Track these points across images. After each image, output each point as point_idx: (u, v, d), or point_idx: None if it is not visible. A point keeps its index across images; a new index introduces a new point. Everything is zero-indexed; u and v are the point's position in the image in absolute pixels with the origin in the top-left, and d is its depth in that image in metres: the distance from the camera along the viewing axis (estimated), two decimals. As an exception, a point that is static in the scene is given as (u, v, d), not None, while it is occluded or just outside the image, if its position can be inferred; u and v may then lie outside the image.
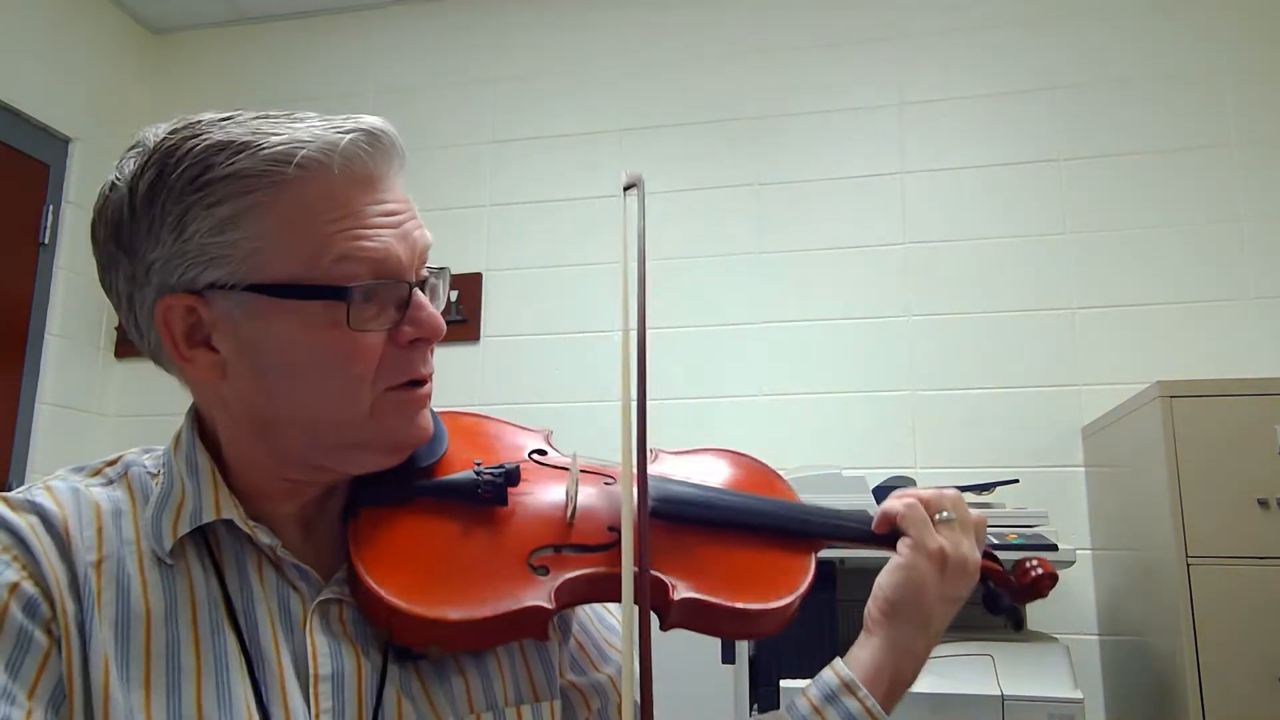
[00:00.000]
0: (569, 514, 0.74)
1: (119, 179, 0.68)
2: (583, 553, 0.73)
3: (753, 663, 1.81)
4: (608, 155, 2.76)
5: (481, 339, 2.72)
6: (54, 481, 0.69)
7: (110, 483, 0.71)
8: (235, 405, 0.69)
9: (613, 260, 2.68)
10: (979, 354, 2.43)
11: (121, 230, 0.68)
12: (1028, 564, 0.83)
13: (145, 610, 0.64)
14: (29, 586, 0.62)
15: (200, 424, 0.73)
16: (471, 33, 2.94)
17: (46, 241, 2.74)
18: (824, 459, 2.27)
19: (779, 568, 0.77)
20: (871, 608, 0.78)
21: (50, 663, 0.61)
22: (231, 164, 0.64)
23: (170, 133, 0.67)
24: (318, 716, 0.65)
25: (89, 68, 2.91)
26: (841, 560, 1.83)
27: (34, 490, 0.68)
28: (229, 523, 0.69)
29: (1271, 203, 2.35)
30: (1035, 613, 2.11)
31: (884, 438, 2.43)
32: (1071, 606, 2.25)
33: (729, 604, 0.72)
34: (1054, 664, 1.74)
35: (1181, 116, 2.43)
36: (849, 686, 0.75)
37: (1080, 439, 2.33)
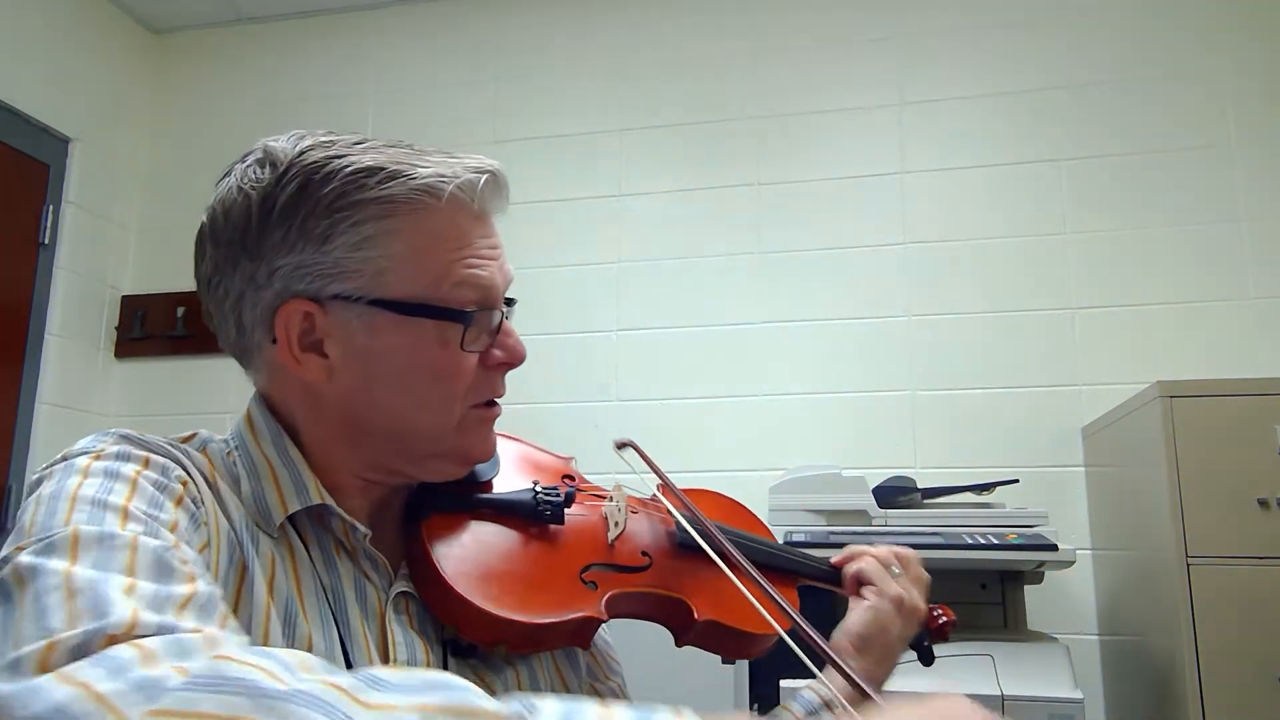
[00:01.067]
0: (612, 537, 0.84)
1: (245, 185, 0.72)
2: (623, 572, 0.82)
3: (752, 663, 1.81)
4: (608, 155, 2.76)
5: (481, 339, 2.72)
6: (151, 437, 0.70)
7: (193, 451, 0.73)
8: (332, 407, 0.74)
9: (610, 260, 2.69)
10: (979, 354, 2.43)
11: (249, 233, 0.71)
12: (934, 613, 0.96)
13: (271, 563, 0.68)
14: (193, 488, 0.66)
15: (274, 415, 0.76)
16: (471, 33, 2.94)
17: (46, 241, 2.74)
18: (824, 459, 2.27)
19: (774, 600, 0.87)
20: (845, 642, 0.88)
21: (207, 549, 0.64)
22: (384, 188, 0.70)
23: (308, 149, 0.72)
24: None
25: (89, 68, 2.92)
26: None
27: (153, 436, 0.70)
28: (319, 510, 0.72)
29: (1271, 203, 2.35)
30: (1035, 613, 2.11)
31: (884, 438, 2.43)
32: (1071, 606, 2.25)
33: (738, 629, 0.84)
34: (1054, 664, 1.74)
35: (1181, 116, 2.43)
36: (828, 705, 0.86)
37: (1080, 439, 2.33)
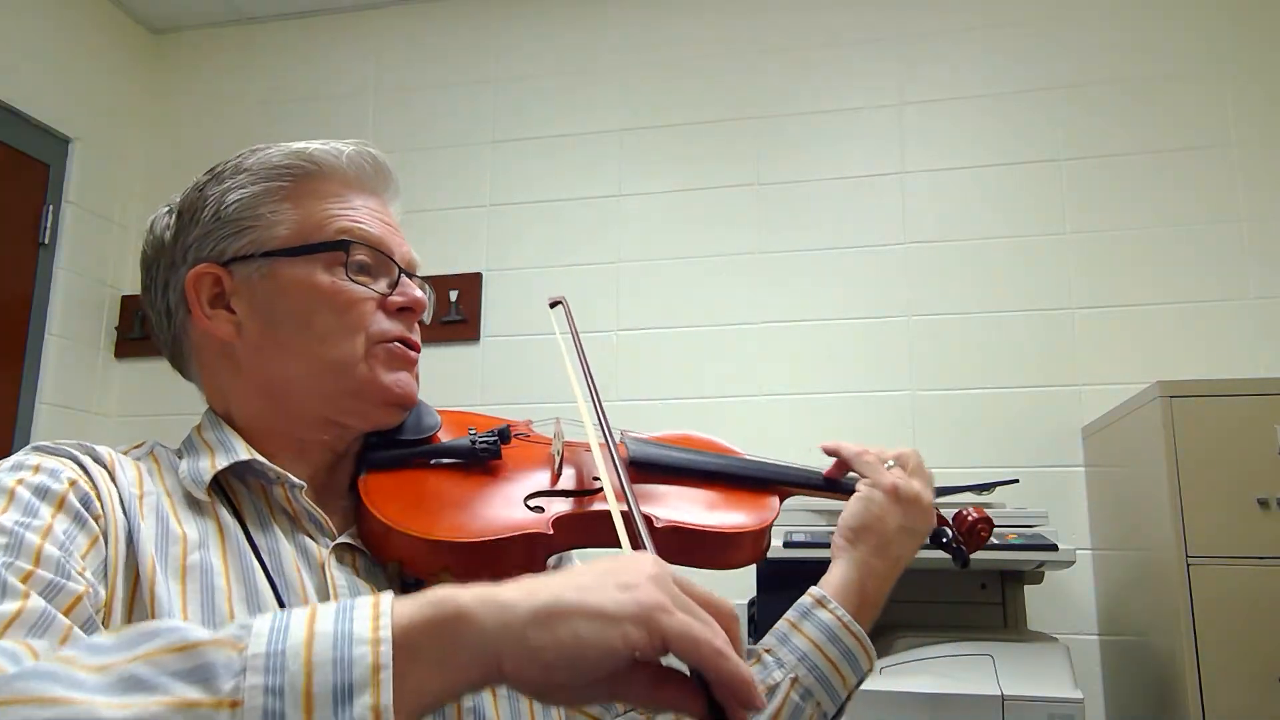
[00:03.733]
0: (556, 467, 0.84)
1: (168, 203, 0.85)
2: (571, 496, 0.81)
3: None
4: (608, 155, 2.76)
5: (481, 339, 2.72)
6: (91, 445, 0.75)
7: (140, 457, 0.78)
8: (248, 367, 0.80)
9: (610, 261, 2.69)
10: (979, 354, 2.43)
11: (166, 231, 0.83)
12: (964, 512, 0.95)
13: (182, 535, 0.70)
14: (84, 485, 0.68)
15: (215, 414, 0.82)
16: (471, 33, 2.94)
17: (46, 241, 2.74)
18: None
19: (749, 503, 0.88)
20: (836, 536, 0.89)
21: (97, 546, 0.65)
22: (265, 155, 0.82)
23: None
24: None
25: (89, 68, 2.91)
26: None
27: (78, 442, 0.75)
28: (248, 476, 0.76)
29: (1271, 203, 2.35)
30: (1035, 613, 2.11)
31: (884, 438, 2.39)
32: (1071, 606, 2.25)
33: (706, 529, 0.81)
34: (1054, 664, 1.74)
35: (1181, 116, 2.43)
36: (820, 602, 0.85)
37: (1080, 439, 2.33)
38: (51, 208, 2.76)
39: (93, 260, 2.88)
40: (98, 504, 0.67)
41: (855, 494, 0.90)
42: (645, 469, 0.87)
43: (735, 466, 0.92)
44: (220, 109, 3.06)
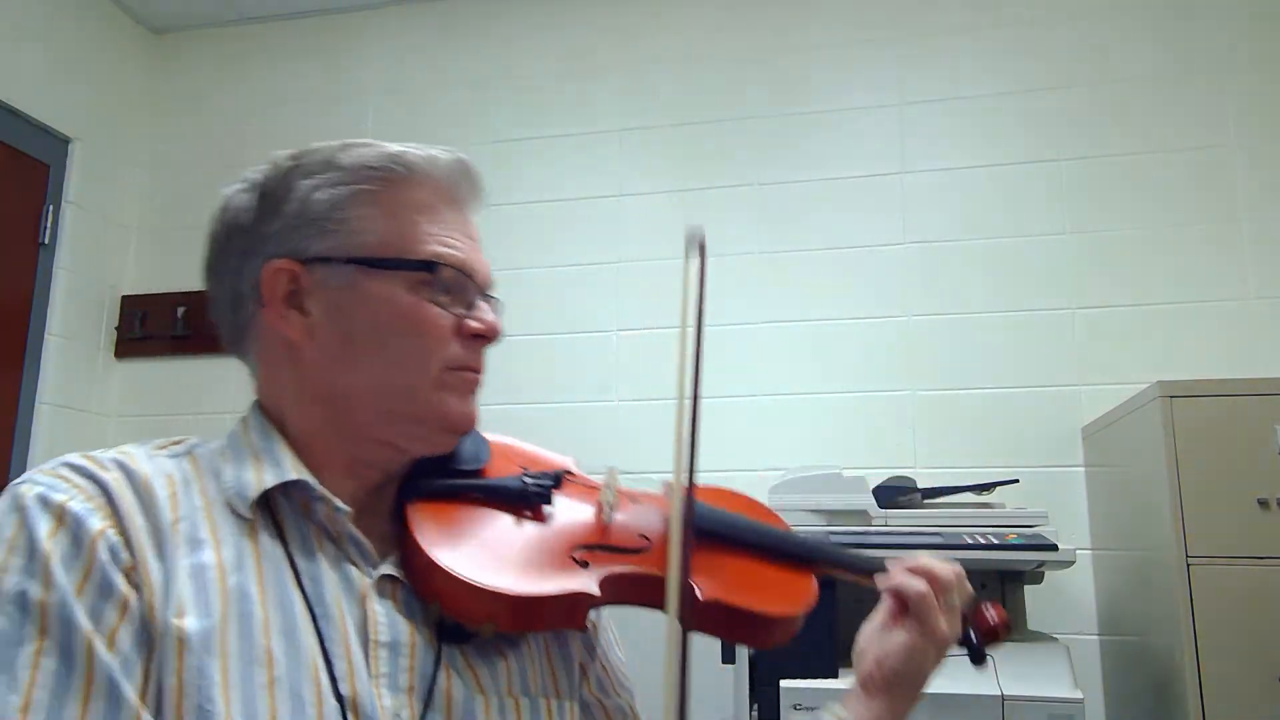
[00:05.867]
0: (605, 518, 0.82)
1: (248, 178, 0.80)
2: (619, 553, 0.79)
3: (753, 663, 1.81)
4: (608, 155, 2.76)
5: (481, 339, 2.72)
6: (128, 448, 0.72)
7: (176, 457, 0.74)
8: (312, 373, 0.77)
9: (610, 260, 2.69)
10: (979, 354, 2.43)
11: (245, 213, 0.79)
12: (984, 610, 0.87)
13: (218, 562, 0.68)
14: (113, 534, 0.65)
15: (265, 414, 0.79)
16: (471, 33, 2.94)
17: (46, 241, 2.74)
18: (824, 459, 2.27)
19: (790, 584, 0.85)
20: (875, 672, 0.82)
21: (131, 610, 0.64)
22: (359, 155, 0.78)
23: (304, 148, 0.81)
24: (376, 676, 0.69)
25: (89, 68, 2.91)
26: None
27: (113, 452, 0.71)
28: (295, 495, 0.73)
29: (1271, 203, 2.35)
30: (1035, 613, 2.11)
31: (884, 438, 2.43)
32: (1071, 606, 2.25)
33: (748, 609, 0.79)
34: (1054, 664, 1.74)
35: (1181, 116, 2.43)
36: None
37: (1080, 439, 2.33)
38: (51, 208, 2.76)
39: (93, 260, 2.88)
40: (127, 554, 0.65)
41: (905, 637, 0.81)
42: (699, 533, 0.83)
43: (784, 542, 0.89)
44: (220, 109, 3.06)
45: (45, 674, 0.59)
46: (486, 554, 0.74)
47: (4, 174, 2.64)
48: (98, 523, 0.65)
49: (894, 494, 2.03)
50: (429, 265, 0.77)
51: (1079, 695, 1.65)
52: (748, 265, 2.60)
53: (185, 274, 2.94)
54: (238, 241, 0.79)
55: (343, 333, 0.76)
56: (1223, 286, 2.33)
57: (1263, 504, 1.73)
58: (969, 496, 2.13)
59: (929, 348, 2.46)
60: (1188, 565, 1.73)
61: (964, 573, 0.85)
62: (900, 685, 0.81)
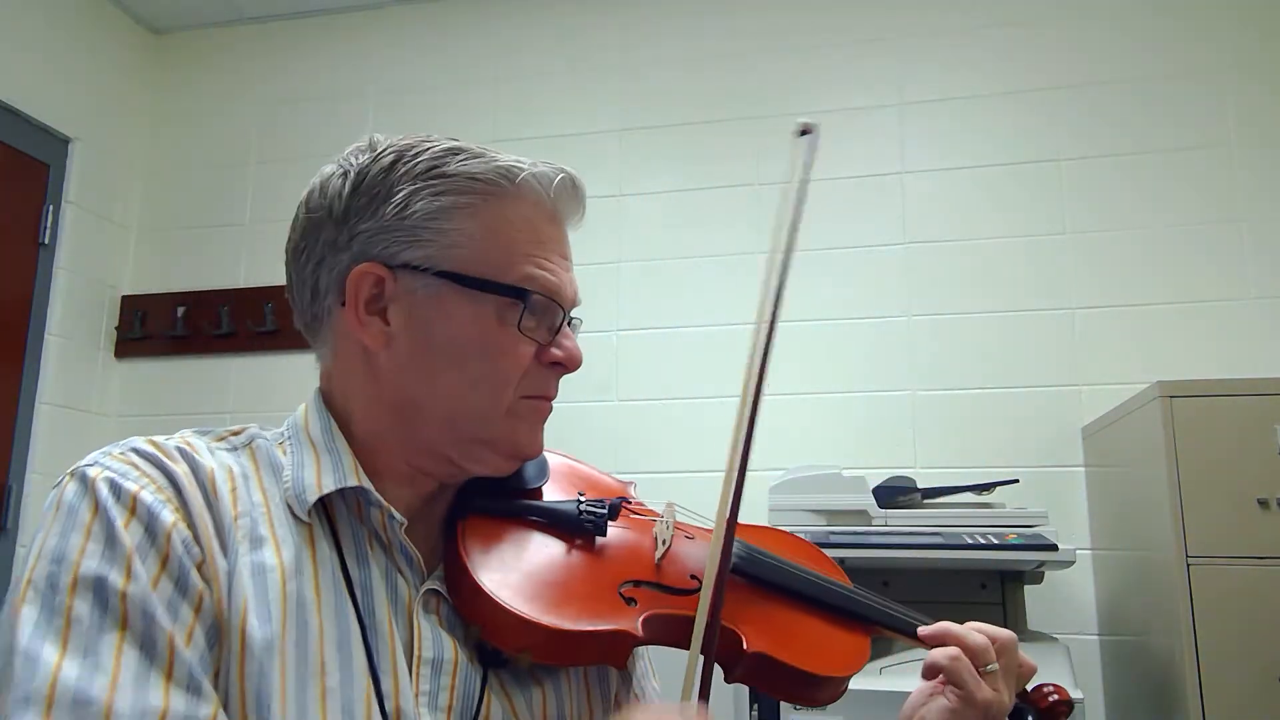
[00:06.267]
0: (658, 556, 0.80)
1: (344, 163, 0.77)
2: (666, 593, 0.77)
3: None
4: (608, 155, 2.76)
5: (481, 339, 2.71)
6: (190, 438, 0.72)
7: (235, 449, 0.74)
8: (386, 380, 0.75)
9: (610, 260, 2.69)
10: (979, 354, 2.43)
11: (338, 201, 0.76)
12: (1045, 690, 0.83)
13: (279, 563, 0.68)
14: (184, 529, 0.65)
15: (329, 406, 0.78)
16: (471, 33, 2.94)
17: (46, 241, 2.74)
18: (824, 459, 2.26)
19: (843, 643, 0.82)
20: None
21: (205, 606, 0.64)
22: (464, 164, 0.75)
23: (405, 136, 0.78)
24: (418, 695, 0.69)
25: (89, 68, 2.91)
26: (842, 560, 1.83)
27: (177, 440, 0.71)
28: (351, 497, 0.73)
29: (1271, 203, 2.35)
30: (1035, 613, 2.11)
31: (884, 438, 2.43)
32: (1071, 606, 2.25)
33: (794, 665, 0.76)
34: (1054, 664, 1.74)
35: (1181, 116, 2.43)
36: None
37: (1080, 439, 2.33)
38: (51, 208, 2.76)
39: (93, 260, 2.88)
40: (197, 549, 0.65)
41: (943, 704, 0.77)
42: (748, 578, 0.82)
43: (844, 599, 0.85)
44: (220, 109, 3.06)
45: (129, 661, 0.59)
46: (532, 582, 0.73)
47: (4, 174, 2.64)
48: (169, 515, 0.65)
49: (894, 494, 2.03)
50: (520, 292, 0.74)
51: (1079, 695, 1.65)
52: (747, 265, 2.60)
53: (185, 274, 2.95)
54: (328, 232, 0.76)
55: (422, 346, 0.74)
56: (1222, 287, 2.33)
57: (1263, 504, 1.73)
58: (969, 496, 2.13)
59: (929, 348, 2.46)
60: (1187, 565, 1.73)
61: (1012, 641, 0.80)
62: None
